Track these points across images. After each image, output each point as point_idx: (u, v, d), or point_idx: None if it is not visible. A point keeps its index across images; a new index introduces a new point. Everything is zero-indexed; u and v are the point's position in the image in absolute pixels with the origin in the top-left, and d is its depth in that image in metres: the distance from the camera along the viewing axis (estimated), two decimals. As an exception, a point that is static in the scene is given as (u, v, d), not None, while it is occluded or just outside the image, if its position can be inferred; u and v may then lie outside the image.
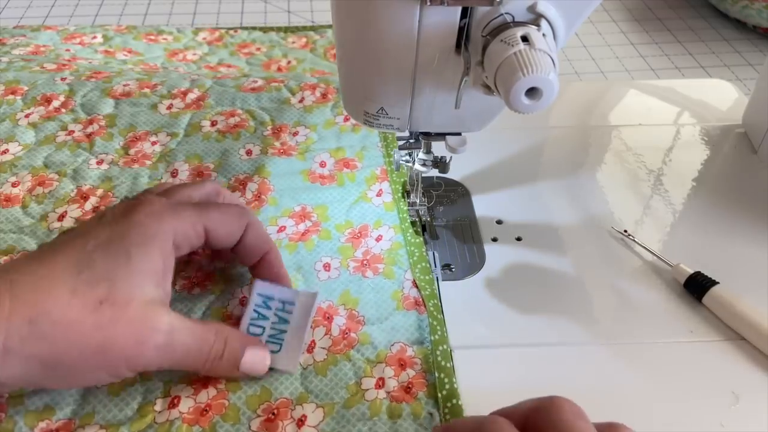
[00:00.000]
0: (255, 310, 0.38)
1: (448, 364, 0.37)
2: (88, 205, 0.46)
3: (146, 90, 0.56)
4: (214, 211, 0.35)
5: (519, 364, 0.39)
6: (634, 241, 0.46)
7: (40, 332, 0.28)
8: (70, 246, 0.31)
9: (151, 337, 0.31)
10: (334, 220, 0.46)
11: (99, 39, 0.71)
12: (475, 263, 0.45)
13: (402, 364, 0.37)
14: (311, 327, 0.39)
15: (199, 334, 0.33)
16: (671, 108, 0.61)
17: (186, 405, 0.35)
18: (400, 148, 0.42)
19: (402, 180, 0.49)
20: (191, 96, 0.55)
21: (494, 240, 0.47)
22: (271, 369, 0.36)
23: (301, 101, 0.55)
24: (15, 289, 0.28)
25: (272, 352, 0.36)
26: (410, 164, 0.44)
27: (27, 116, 0.53)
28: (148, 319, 0.31)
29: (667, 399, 0.37)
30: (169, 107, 0.54)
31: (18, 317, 0.28)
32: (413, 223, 0.46)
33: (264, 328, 0.38)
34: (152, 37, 0.73)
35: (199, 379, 0.36)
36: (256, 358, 0.35)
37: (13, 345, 0.28)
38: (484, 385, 0.37)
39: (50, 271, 0.29)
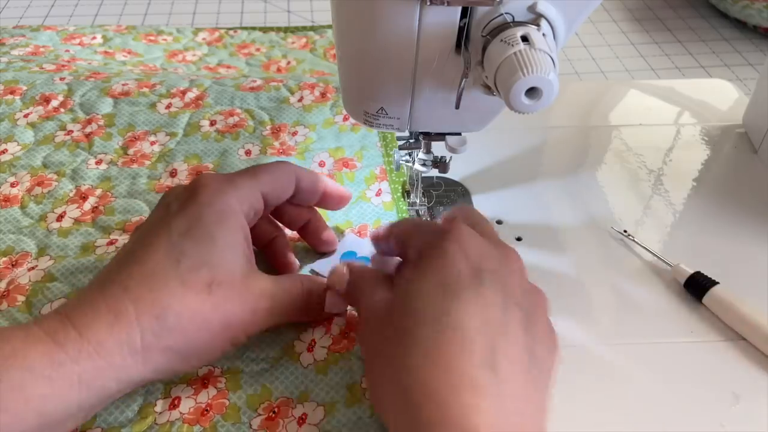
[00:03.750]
0: None
1: None
2: (87, 206, 0.46)
3: (145, 89, 0.56)
4: (264, 174, 0.36)
5: (519, 365, 0.38)
6: (633, 241, 0.46)
7: (168, 325, 0.30)
8: (156, 241, 0.32)
9: (259, 303, 0.33)
10: (334, 220, 0.46)
11: (98, 40, 0.71)
12: (475, 263, 0.45)
13: None
14: None
15: (289, 286, 0.35)
16: (671, 108, 0.61)
17: (186, 405, 0.35)
18: (400, 148, 0.42)
19: (401, 180, 0.49)
20: (190, 95, 0.55)
21: (494, 240, 0.47)
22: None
23: (300, 100, 0.55)
24: (132, 293, 0.30)
25: None
26: (410, 164, 0.44)
27: (26, 116, 0.53)
28: (252, 287, 0.33)
29: (667, 399, 0.37)
30: (168, 106, 0.54)
31: (145, 316, 0.30)
32: (413, 224, 0.46)
33: None
34: (152, 38, 0.72)
35: (198, 380, 0.36)
36: (335, 299, 0.37)
37: (150, 341, 0.30)
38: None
39: (153, 268, 0.31)
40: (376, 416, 0.35)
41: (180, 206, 0.34)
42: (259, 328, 0.34)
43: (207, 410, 0.35)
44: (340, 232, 0.45)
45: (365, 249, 0.42)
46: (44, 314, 0.31)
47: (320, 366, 0.37)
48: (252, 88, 0.56)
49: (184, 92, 0.55)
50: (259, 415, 0.35)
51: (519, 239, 0.47)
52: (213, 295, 0.31)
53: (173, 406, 0.35)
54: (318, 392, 0.36)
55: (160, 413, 0.34)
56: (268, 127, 0.53)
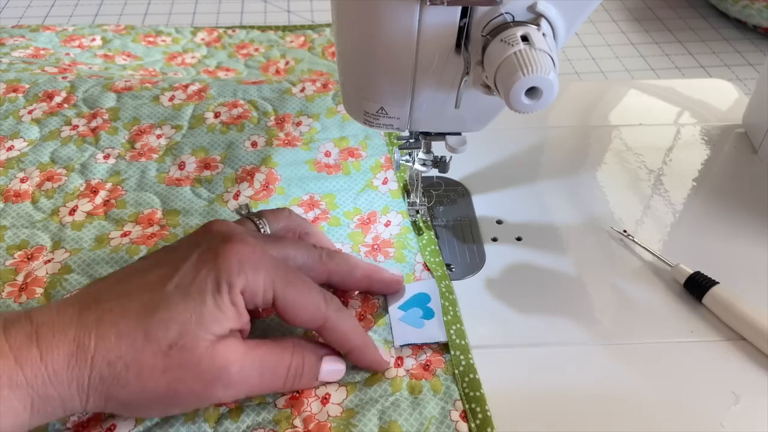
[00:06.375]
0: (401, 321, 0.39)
1: (463, 342, 0.38)
2: (98, 199, 0.47)
3: (147, 85, 0.56)
4: (292, 288, 0.33)
5: (519, 364, 0.39)
6: (633, 241, 0.46)
7: (116, 375, 0.29)
8: (154, 279, 0.31)
9: (219, 376, 0.31)
10: (343, 208, 0.47)
11: (98, 42, 0.70)
12: (475, 263, 0.45)
13: (419, 344, 0.38)
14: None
15: (275, 357, 0.33)
16: (671, 108, 0.61)
17: None
18: (400, 148, 0.43)
19: (402, 178, 0.49)
20: (192, 88, 0.56)
21: (494, 240, 0.47)
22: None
23: (302, 91, 0.56)
24: (101, 329, 0.30)
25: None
26: (410, 164, 0.44)
27: (30, 112, 0.53)
28: (217, 357, 0.31)
29: (667, 399, 0.37)
30: (171, 99, 0.54)
31: (100, 358, 0.29)
32: (413, 223, 0.46)
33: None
34: (150, 39, 0.73)
35: None
36: (333, 368, 0.36)
37: (96, 385, 0.29)
38: (484, 385, 0.37)
39: (129, 309, 0.30)
40: (398, 393, 0.36)
41: (200, 256, 0.32)
42: (219, 400, 0.32)
43: None
44: (337, 225, 0.45)
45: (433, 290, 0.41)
46: (15, 317, 0.30)
47: None
48: (254, 82, 0.57)
49: (186, 86, 0.56)
50: (284, 395, 0.35)
51: (519, 239, 0.47)
52: (169, 357, 0.30)
53: None
54: None
55: None
56: (272, 118, 0.53)
